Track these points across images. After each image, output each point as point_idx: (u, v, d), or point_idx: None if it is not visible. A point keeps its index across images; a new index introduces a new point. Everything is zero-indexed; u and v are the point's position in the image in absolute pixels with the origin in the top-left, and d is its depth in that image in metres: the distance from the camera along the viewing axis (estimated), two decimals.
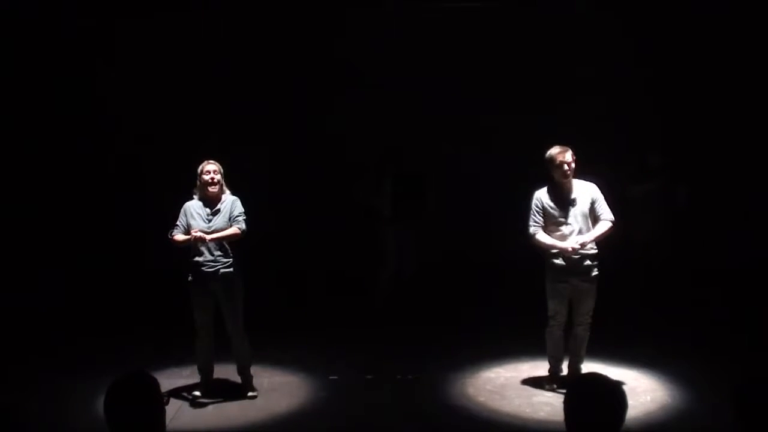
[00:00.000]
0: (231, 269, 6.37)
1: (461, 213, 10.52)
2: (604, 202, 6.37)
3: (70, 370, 7.10)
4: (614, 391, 2.85)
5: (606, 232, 6.32)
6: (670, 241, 8.99)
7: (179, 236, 6.36)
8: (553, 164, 6.27)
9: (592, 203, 6.34)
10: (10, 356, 7.54)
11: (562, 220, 6.34)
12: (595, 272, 6.38)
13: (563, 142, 6.44)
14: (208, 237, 6.25)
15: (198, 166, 6.46)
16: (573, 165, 6.28)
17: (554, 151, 6.29)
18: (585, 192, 6.36)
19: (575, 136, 6.75)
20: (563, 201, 6.35)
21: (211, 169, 6.38)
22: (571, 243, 6.25)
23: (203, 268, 6.33)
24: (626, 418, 2.82)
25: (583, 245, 6.24)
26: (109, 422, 2.87)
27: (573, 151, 6.33)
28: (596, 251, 6.38)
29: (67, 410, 6.26)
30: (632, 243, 8.90)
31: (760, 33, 10.29)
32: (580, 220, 6.32)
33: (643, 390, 6.53)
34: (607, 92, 10.56)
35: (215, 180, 6.36)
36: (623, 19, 10.63)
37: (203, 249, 6.32)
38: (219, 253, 6.34)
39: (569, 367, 6.59)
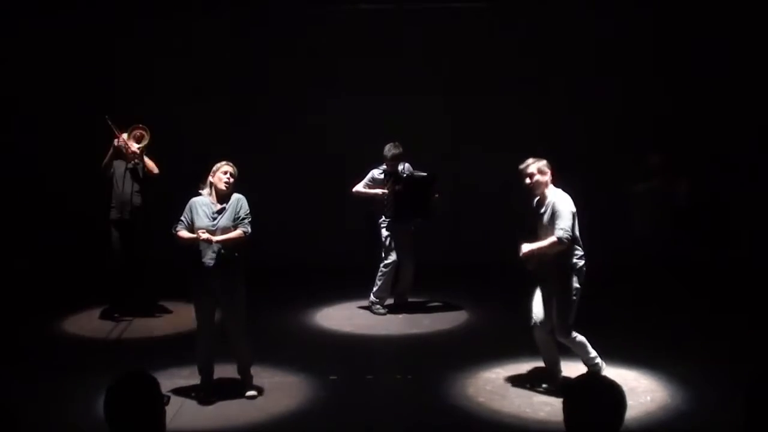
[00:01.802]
0: (233, 268, 6.38)
1: (460, 213, 10.53)
2: (561, 218, 6.20)
3: (70, 370, 7.10)
4: (614, 391, 2.85)
5: (548, 247, 6.22)
6: (671, 239, 8.99)
7: (184, 233, 6.37)
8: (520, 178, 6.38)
9: (552, 216, 6.29)
10: (10, 356, 7.55)
11: (535, 227, 6.42)
12: (558, 281, 6.30)
13: (562, 142, 6.45)
14: (214, 239, 6.26)
15: (214, 165, 6.49)
16: (535, 178, 6.29)
17: (520, 166, 6.38)
18: (551, 204, 6.33)
19: (575, 136, 6.75)
20: (535, 210, 6.44)
21: (228, 170, 6.42)
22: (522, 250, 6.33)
23: (205, 267, 6.34)
24: (626, 418, 2.82)
25: (525, 254, 6.27)
26: (109, 422, 2.87)
27: (547, 162, 6.34)
28: (561, 261, 6.28)
29: (67, 410, 6.26)
30: (633, 242, 8.91)
31: (760, 30, 10.32)
32: (542, 230, 6.35)
33: (643, 390, 6.53)
34: (607, 92, 10.57)
35: (230, 182, 6.42)
36: (624, 19, 10.65)
37: (205, 248, 6.32)
38: (221, 251, 6.35)
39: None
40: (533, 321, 6.50)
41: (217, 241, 6.27)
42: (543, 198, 6.38)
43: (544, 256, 6.29)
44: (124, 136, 8.43)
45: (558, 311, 6.33)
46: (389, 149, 8.72)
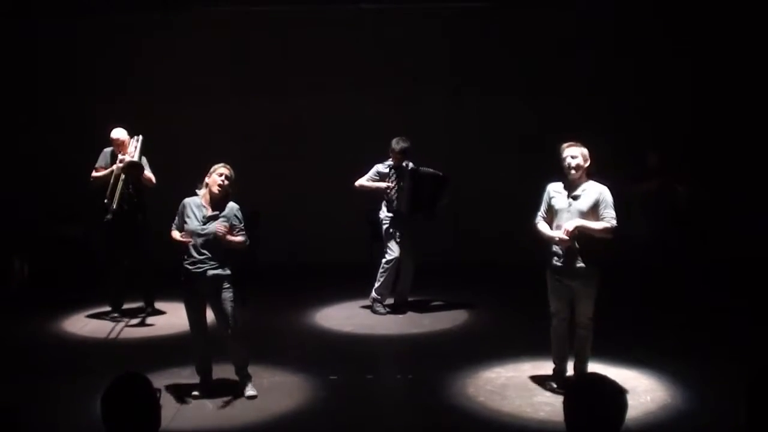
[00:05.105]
0: (219, 270, 6.33)
1: (461, 212, 10.52)
2: (611, 206, 6.21)
3: (70, 370, 7.10)
4: (614, 391, 2.85)
5: (600, 230, 6.16)
6: (670, 240, 8.99)
7: (175, 234, 6.38)
8: (560, 157, 6.25)
9: (596, 204, 6.21)
10: (10, 356, 7.55)
11: (561, 213, 6.28)
12: (590, 274, 6.27)
13: (562, 142, 6.43)
14: (227, 236, 6.20)
15: (211, 166, 6.46)
16: (578, 162, 6.20)
17: (564, 144, 6.27)
18: (592, 192, 6.25)
19: (575, 136, 6.73)
20: (566, 195, 6.30)
21: (224, 173, 6.36)
22: (558, 232, 6.19)
23: (191, 268, 6.31)
24: (626, 418, 2.82)
25: (568, 233, 6.10)
26: (106, 423, 2.87)
27: (587, 150, 6.25)
28: (591, 253, 6.26)
29: (66, 410, 6.25)
30: (632, 242, 8.91)
31: (758, 30, 10.32)
32: (577, 216, 6.21)
33: (643, 390, 6.52)
34: (607, 92, 10.57)
35: (225, 185, 6.35)
36: (623, 19, 10.65)
37: (191, 249, 6.30)
38: (207, 253, 6.30)
39: (574, 369, 6.56)
40: (554, 314, 6.48)
41: (226, 240, 6.23)
42: (578, 183, 6.26)
43: (588, 239, 6.15)
44: (115, 168, 8.40)
45: (587, 302, 6.31)
46: (398, 142, 8.65)
